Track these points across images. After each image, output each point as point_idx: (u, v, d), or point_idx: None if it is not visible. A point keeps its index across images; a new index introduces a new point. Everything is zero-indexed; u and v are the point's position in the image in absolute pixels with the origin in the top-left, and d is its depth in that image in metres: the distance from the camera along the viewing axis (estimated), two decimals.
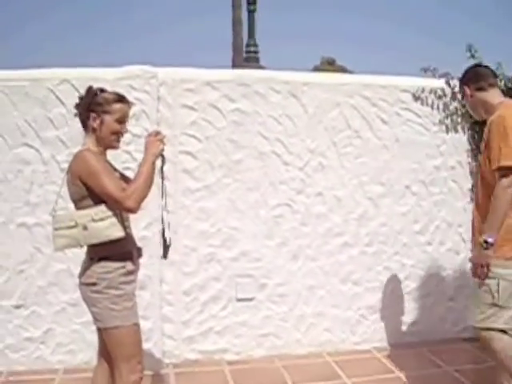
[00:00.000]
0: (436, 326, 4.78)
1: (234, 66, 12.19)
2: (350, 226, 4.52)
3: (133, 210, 2.67)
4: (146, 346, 4.11)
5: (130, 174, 3.89)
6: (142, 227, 4.04)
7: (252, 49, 9.56)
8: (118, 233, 2.67)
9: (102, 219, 2.63)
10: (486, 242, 2.90)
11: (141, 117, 4.06)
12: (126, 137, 3.94)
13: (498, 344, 3.05)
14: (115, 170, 2.94)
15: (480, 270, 2.99)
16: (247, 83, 4.24)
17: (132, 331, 2.75)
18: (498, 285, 2.98)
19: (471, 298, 4.79)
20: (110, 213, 2.66)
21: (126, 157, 4.02)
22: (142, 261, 3.80)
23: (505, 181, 2.89)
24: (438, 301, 4.77)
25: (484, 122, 3.44)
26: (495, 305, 3.02)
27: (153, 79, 4.06)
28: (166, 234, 2.87)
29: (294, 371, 4.18)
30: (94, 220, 2.62)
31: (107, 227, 2.64)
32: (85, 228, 2.62)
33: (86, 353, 4.11)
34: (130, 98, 3.87)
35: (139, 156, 3.89)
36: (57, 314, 4.12)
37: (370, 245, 4.57)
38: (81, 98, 2.81)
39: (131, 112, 3.91)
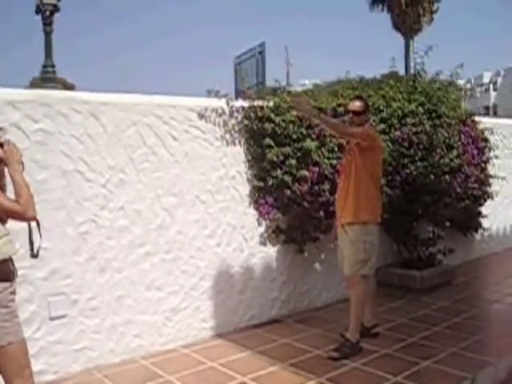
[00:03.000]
0: (229, 318, 5.34)
1: None
2: (151, 236, 4.84)
3: (34, 218, 2.84)
4: None
5: None
6: None
7: (50, 69, 9.25)
8: (14, 249, 2.74)
9: None
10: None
11: None
12: None
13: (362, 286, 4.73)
14: None
15: None
16: (49, 103, 4.31)
17: (24, 344, 2.81)
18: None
19: (256, 289, 5.51)
20: (5, 231, 2.71)
21: None
22: None
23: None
24: (229, 296, 5.34)
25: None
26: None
27: None
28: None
29: (117, 379, 4.36)
30: None
31: (3, 245, 2.69)
32: None
33: None
34: None
35: None
36: None
37: (168, 252, 4.94)
38: None
39: None
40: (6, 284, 2.82)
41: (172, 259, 4.97)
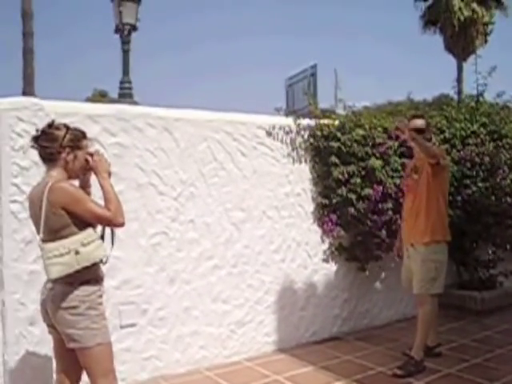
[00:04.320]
0: (291, 333, 5.39)
1: (25, 95, 11.96)
2: (218, 250, 4.95)
3: (123, 224, 3.00)
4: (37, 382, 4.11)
5: (17, 208, 3.94)
6: (30, 261, 4.01)
7: (126, 85, 9.67)
8: (104, 252, 2.89)
9: (89, 242, 2.81)
10: None
11: (29, 149, 4.04)
12: (14, 169, 3.98)
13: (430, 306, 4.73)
14: None
15: None
16: (126, 118, 4.48)
17: (110, 347, 2.93)
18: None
19: (318, 306, 5.55)
20: (96, 235, 2.85)
21: (14, 189, 3.98)
22: (32, 296, 3.90)
23: None
24: (292, 311, 5.39)
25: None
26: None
27: (40, 111, 4.08)
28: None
29: None
30: (83, 244, 2.79)
31: (95, 249, 2.84)
32: (77, 252, 2.79)
33: None
34: (17, 129, 3.97)
35: (26, 189, 3.96)
36: None
37: (235, 265, 5.03)
38: (43, 132, 2.92)
39: (19, 144, 3.99)
40: (96, 287, 2.98)
41: (238, 273, 5.06)
